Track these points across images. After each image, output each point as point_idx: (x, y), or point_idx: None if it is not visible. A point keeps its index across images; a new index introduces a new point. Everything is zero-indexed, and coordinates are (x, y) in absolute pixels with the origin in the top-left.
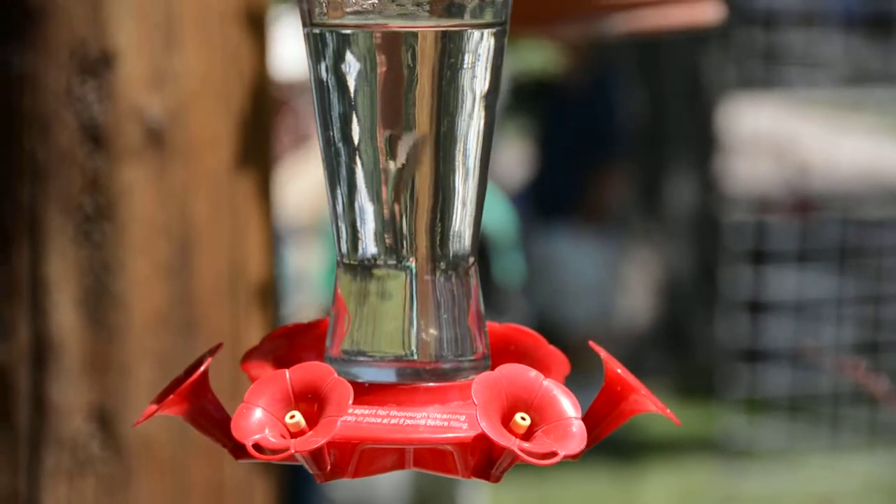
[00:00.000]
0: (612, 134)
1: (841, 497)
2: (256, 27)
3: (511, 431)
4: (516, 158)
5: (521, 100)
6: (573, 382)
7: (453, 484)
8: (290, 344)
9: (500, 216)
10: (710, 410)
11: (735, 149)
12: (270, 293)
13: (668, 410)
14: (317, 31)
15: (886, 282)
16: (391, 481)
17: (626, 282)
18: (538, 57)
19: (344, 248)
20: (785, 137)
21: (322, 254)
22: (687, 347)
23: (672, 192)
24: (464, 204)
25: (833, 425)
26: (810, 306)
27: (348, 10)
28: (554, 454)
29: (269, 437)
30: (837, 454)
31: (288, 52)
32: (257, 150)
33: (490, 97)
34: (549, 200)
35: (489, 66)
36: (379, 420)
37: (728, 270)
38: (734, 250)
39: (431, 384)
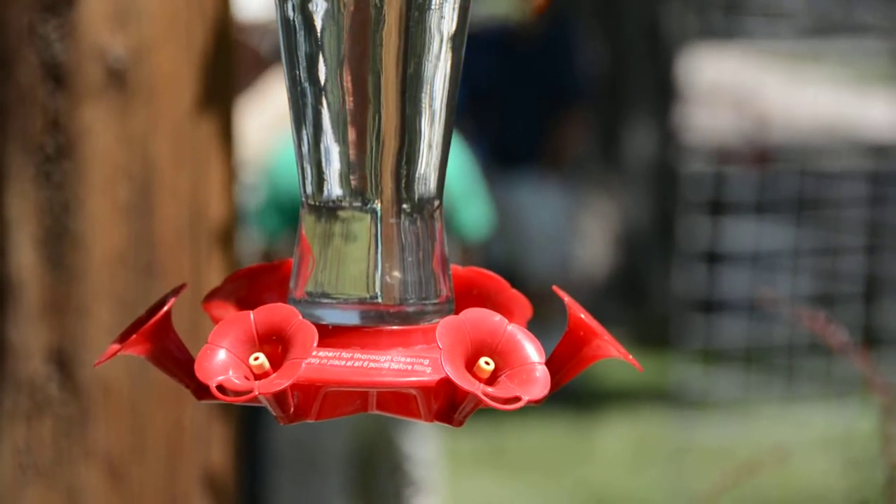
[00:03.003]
0: (571, 82)
1: (795, 448)
2: None
3: (475, 376)
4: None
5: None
6: (531, 331)
7: (398, 432)
8: (253, 285)
9: (460, 165)
10: (665, 360)
11: (694, 99)
12: (231, 235)
13: (631, 356)
14: None
15: (843, 233)
16: (332, 427)
17: (583, 231)
18: (503, 3)
19: (309, 190)
20: (745, 88)
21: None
22: (643, 297)
23: (631, 142)
24: (430, 146)
25: (788, 376)
26: (767, 257)
27: None
28: (517, 399)
29: (233, 379)
30: (792, 405)
31: None
32: (219, 91)
33: (457, 39)
34: (508, 149)
35: (457, 7)
36: (343, 363)
37: (685, 221)
38: (692, 201)
39: (395, 327)
